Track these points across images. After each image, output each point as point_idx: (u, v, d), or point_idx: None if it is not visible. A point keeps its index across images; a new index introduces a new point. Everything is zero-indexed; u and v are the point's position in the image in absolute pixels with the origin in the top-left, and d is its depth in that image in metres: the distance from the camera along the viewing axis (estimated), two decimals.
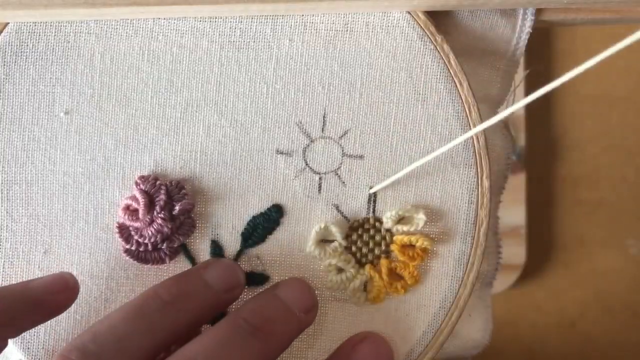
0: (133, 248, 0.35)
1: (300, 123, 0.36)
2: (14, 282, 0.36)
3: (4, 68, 0.35)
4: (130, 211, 0.35)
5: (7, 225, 0.36)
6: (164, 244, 0.35)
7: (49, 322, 0.36)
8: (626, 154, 0.86)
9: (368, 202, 0.36)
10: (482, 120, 0.36)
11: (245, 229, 0.36)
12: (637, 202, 0.83)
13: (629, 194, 0.83)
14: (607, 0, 0.35)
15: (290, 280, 0.36)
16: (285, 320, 0.33)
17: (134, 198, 0.35)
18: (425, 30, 0.35)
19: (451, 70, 0.35)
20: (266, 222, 0.36)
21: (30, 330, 0.36)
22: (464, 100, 0.35)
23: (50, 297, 0.33)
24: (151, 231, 0.35)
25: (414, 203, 0.36)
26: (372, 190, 0.36)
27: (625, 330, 0.84)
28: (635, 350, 0.83)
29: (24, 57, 0.35)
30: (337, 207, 0.36)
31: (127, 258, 0.36)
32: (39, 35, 0.35)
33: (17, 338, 0.36)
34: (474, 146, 0.36)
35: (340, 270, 0.36)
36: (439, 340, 0.36)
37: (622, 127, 0.86)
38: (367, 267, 0.36)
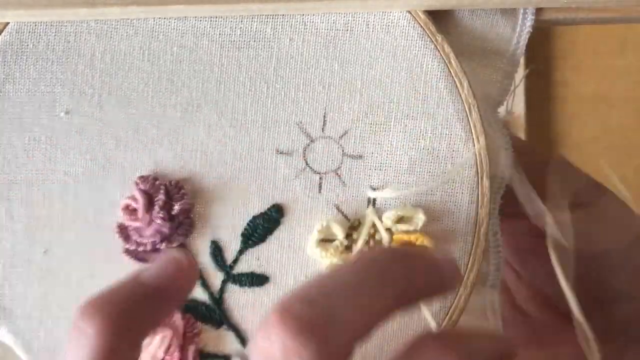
0: (132, 248, 0.35)
1: (301, 123, 0.36)
2: (15, 283, 0.36)
3: (4, 68, 0.35)
4: (130, 211, 0.35)
5: (7, 225, 0.36)
6: (163, 244, 0.35)
7: (48, 322, 0.36)
8: (626, 154, 0.86)
9: (368, 202, 0.36)
10: (482, 120, 0.36)
11: (245, 229, 0.36)
12: (637, 202, 0.83)
13: (629, 194, 0.83)
14: (607, 0, 0.35)
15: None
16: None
17: (133, 198, 0.35)
18: (426, 30, 0.35)
19: (451, 70, 0.35)
20: (266, 222, 0.36)
21: (30, 331, 0.36)
22: (464, 99, 0.35)
23: (167, 286, 0.29)
24: (150, 231, 0.35)
25: (414, 203, 0.36)
26: (371, 195, 0.36)
27: None
28: None
29: (25, 57, 0.35)
30: (337, 207, 0.36)
31: (127, 258, 0.36)
32: (40, 35, 0.35)
33: (17, 339, 0.36)
34: (474, 146, 0.36)
35: None
36: None
37: (622, 127, 0.86)
38: None
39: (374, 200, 0.36)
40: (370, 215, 0.36)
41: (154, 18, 0.35)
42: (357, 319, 0.24)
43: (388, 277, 0.26)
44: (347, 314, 0.23)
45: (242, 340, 0.37)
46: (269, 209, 0.36)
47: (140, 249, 0.35)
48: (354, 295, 0.24)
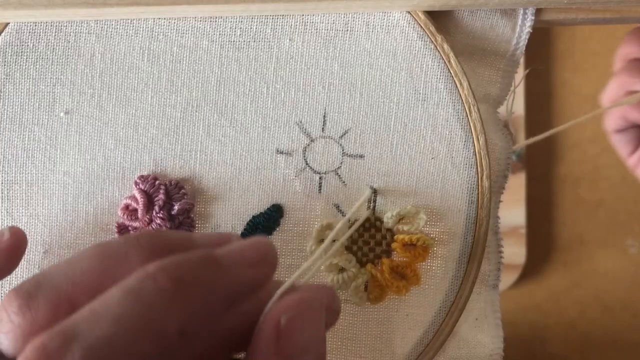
0: None
1: (301, 122, 0.36)
2: (15, 284, 0.36)
3: (4, 68, 0.35)
4: (130, 211, 0.35)
5: (7, 225, 0.36)
6: None
7: None
8: None
9: (368, 202, 0.36)
10: (482, 120, 0.36)
11: (245, 229, 0.36)
12: (637, 202, 0.83)
13: (629, 194, 0.83)
14: (607, 0, 0.35)
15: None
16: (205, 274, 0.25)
17: (133, 198, 0.35)
18: (426, 30, 0.35)
19: (451, 70, 0.35)
20: (266, 222, 0.36)
21: None
22: (464, 100, 0.35)
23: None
24: None
25: (414, 203, 0.36)
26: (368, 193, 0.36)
27: (625, 330, 0.84)
28: (635, 350, 0.83)
29: (25, 57, 0.35)
30: (337, 207, 0.36)
31: None
32: (40, 35, 0.35)
33: None
34: (474, 146, 0.36)
35: (341, 269, 0.36)
36: (440, 339, 0.36)
37: None
38: (368, 266, 0.36)
39: (375, 199, 0.36)
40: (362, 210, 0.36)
41: (154, 18, 0.35)
42: (65, 286, 0.26)
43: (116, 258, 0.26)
44: (59, 281, 0.26)
45: None
46: (268, 208, 0.36)
47: None
48: (71, 267, 0.26)
